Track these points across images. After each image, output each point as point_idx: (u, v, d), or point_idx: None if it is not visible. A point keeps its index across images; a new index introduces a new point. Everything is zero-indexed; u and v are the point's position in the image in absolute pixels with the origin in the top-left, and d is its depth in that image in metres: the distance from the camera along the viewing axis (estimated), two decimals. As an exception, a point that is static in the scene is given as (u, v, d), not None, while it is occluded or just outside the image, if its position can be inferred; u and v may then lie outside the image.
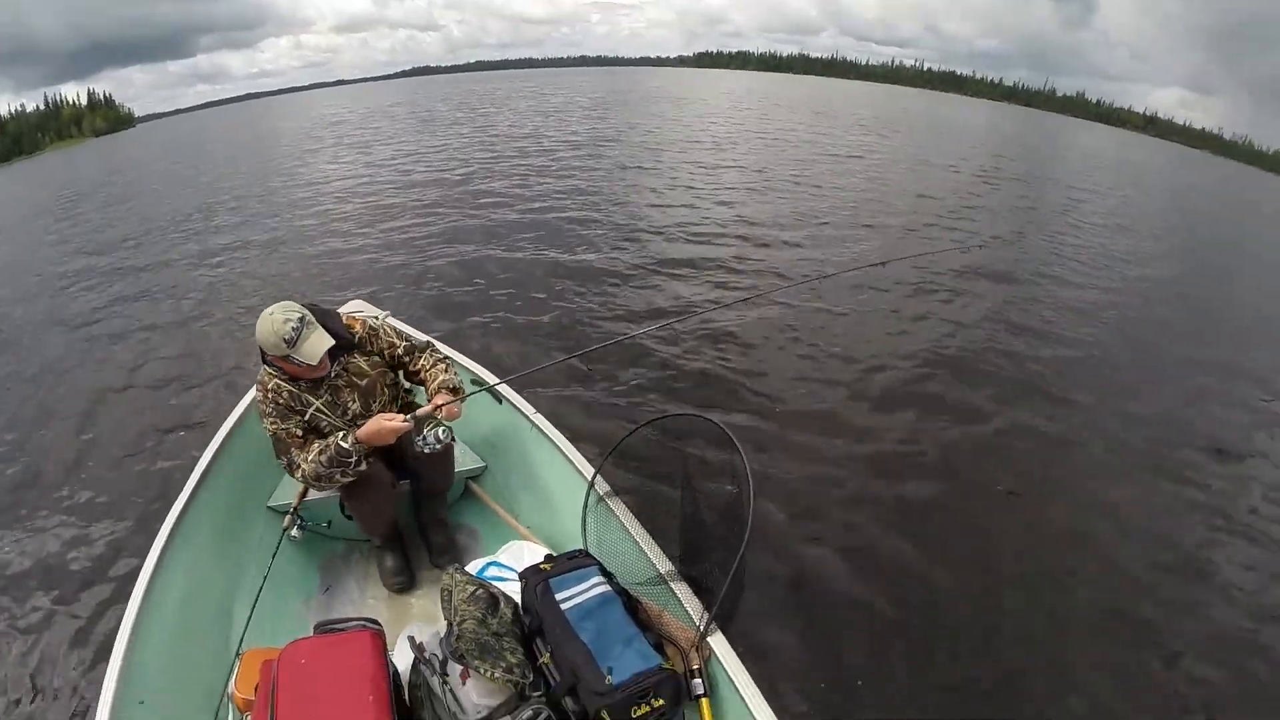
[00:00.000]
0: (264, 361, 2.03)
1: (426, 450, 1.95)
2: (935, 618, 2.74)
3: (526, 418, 2.52)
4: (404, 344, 2.24)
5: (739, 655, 1.60)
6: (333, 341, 1.98)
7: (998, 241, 8.98)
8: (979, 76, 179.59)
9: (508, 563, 2.03)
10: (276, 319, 1.87)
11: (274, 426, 2.00)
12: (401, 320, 2.88)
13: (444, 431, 1.97)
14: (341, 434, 1.97)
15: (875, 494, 3.48)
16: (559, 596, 1.66)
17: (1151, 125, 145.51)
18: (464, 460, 2.63)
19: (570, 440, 2.38)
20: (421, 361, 2.23)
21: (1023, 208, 11.85)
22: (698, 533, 1.91)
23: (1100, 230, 10.74)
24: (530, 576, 1.75)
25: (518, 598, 1.74)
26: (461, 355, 2.88)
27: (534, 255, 7.13)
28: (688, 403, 4.15)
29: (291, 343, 1.87)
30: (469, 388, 2.75)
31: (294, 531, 2.21)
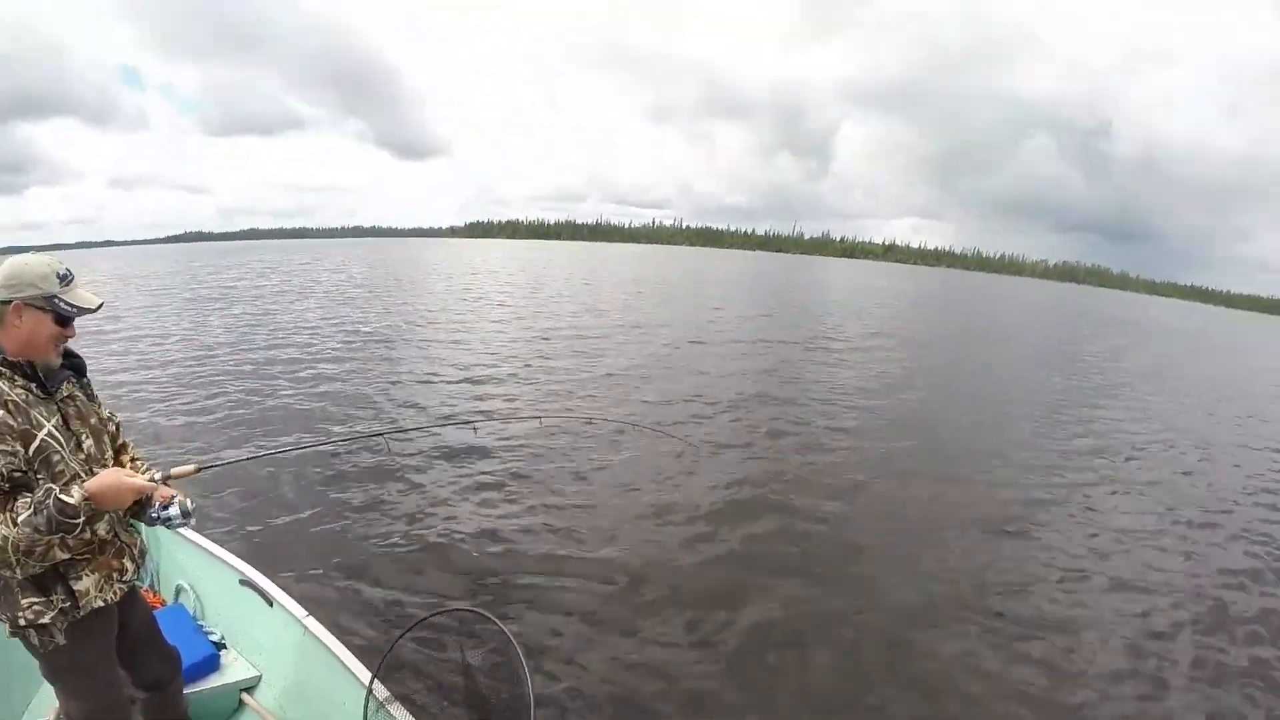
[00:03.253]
0: None
1: (168, 525, 1.66)
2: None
3: (298, 621, 2.43)
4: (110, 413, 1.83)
5: None
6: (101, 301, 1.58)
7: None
8: (733, 229, 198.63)
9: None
10: (38, 257, 1.47)
11: None
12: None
13: (190, 503, 1.70)
14: (60, 484, 1.43)
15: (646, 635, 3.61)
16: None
17: (890, 252, 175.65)
18: (236, 670, 2.52)
19: (344, 643, 2.33)
20: (123, 441, 1.86)
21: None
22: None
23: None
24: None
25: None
26: (231, 555, 2.76)
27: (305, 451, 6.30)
28: (453, 596, 4.00)
29: (66, 280, 1.47)
30: (238, 590, 2.65)
31: None
